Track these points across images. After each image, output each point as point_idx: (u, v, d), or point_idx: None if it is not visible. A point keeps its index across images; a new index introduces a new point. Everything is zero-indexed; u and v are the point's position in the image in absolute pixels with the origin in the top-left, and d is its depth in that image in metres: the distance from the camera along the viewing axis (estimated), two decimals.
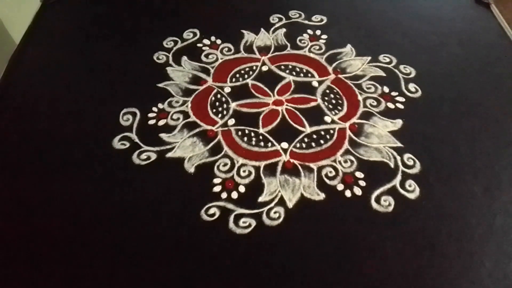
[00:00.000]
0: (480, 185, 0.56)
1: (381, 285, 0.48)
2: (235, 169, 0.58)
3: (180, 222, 0.53)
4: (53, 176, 0.57)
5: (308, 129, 0.62)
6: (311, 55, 0.73)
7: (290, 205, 0.54)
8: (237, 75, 0.70)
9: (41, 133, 0.62)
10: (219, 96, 0.67)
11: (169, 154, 0.59)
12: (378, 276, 0.49)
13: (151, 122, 0.63)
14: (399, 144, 0.60)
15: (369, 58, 0.73)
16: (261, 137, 0.61)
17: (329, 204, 0.54)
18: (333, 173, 0.57)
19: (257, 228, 0.52)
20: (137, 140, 0.61)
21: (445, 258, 0.50)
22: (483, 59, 0.73)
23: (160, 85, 0.68)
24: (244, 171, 0.57)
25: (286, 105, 0.66)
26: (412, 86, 0.68)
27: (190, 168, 0.58)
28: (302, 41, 0.76)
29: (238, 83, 0.69)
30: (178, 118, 0.64)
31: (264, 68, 0.71)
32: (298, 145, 0.60)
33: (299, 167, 0.58)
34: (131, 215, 0.53)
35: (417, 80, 0.69)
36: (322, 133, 0.62)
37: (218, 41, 0.75)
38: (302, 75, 0.70)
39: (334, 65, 0.72)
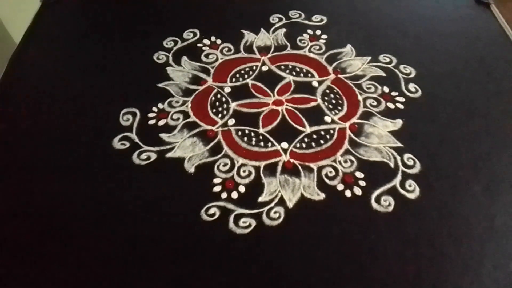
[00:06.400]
0: (480, 185, 0.56)
1: (381, 285, 0.48)
2: (235, 169, 0.58)
3: (180, 222, 0.53)
4: (53, 176, 0.57)
5: (308, 129, 0.62)
6: (311, 55, 0.73)
7: (290, 205, 0.54)
8: (237, 75, 0.70)
9: (41, 133, 0.62)
10: (219, 96, 0.67)
11: (169, 154, 0.59)
12: (378, 276, 0.49)
13: (151, 122, 0.63)
14: (399, 144, 0.61)
15: (369, 58, 0.73)
16: (261, 137, 0.61)
17: (329, 204, 0.54)
18: (333, 173, 0.57)
19: (257, 228, 0.52)
20: (137, 140, 0.61)
21: (445, 258, 0.50)
22: (483, 59, 0.73)
23: (160, 85, 0.68)
24: (244, 171, 0.57)
25: (286, 105, 0.66)
26: (412, 86, 0.68)
27: (190, 168, 0.58)
28: (302, 41, 0.76)
29: (238, 83, 0.69)
30: (178, 118, 0.64)
31: (264, 68, 0.71)
32: (298, 145, 0.60)
33: (299, 167, 0.58)
34: (131, 215, 0.53)
35: (417, 80, 0.69)
36: (322, 133, 0.62)
37: (218, 41, 0.75)
38: (302, 75, 0.70)
39: (334, 65, 0.72)
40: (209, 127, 0.63)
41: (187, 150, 0.60)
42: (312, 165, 0.58)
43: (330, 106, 0.66)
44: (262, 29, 0.78)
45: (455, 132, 0.62)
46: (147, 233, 0.52)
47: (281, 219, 0.53)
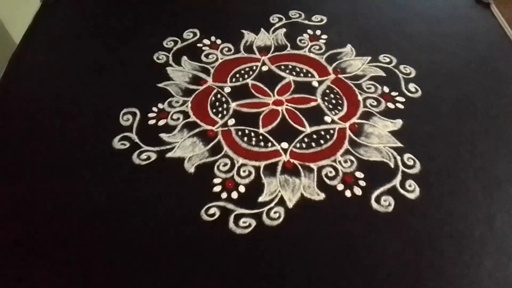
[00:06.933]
0: (480, 185, 0.56)
1: (381, 285, 0.48)
2: (235, 169, 0.58)
3: (180, 222, 0.53)
4: (53, 176, 0.57)
5: (308, 129, 0.62)
6: (311, 55, 0.73)
7: (290, 205, 0.54)
8: (237, 75, 0.70)
9: (41, 133, 0.62)
10: (219, 96, 0.67)
11: (169, 154, 0.59)
12: (378, 276, 0.49)
13: (151, 122, 0.63)
14: (399, 144, 0.60)
15: (369, 58, 0.73)
16: (261, 137, 0.61)
17: (329, 204, 0.54)
18: (333, 173, 0.57)
19: (257, 228, 0.52)
20: (137, 140, 0.61)
21: (445, 258, 0.50)
22: (483, 59, 0.73)
23: (160, 85, 0.68)
24: (244, 171, 0.57)
25: (286, 105, 0.66)
26: (412, 86, 0.68)
27: (190, 168, 0.58)
28: (302, 41, 0.76)
29: (238, 83, 0.69)
30: (178, 118, 0.64)
31: (264, 68, 0.71)
32: (298, 145, 0.60)
33: (299, 167, 0.58)
34: (131, 215, 0.53)
35: (417, 80, 0.69)
36: (322, 133, 0.62)
37: (218, 41, 0.75)
38: (302, 75, 0.70)
39: (334, 65, 0.72)
40: (209, 127, 0.63)
41: (187, 150, 0.60)
42: (312, 165, 0.58)
43: (330, 106, 0.66)
44: (262, 29, 0.78)
45: (455, 132, 0.62)
46: (147, 233, 0.52)
47: (281, 219, 0.53)
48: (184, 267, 0.49)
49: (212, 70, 0.71)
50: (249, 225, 0.52)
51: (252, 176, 0.57)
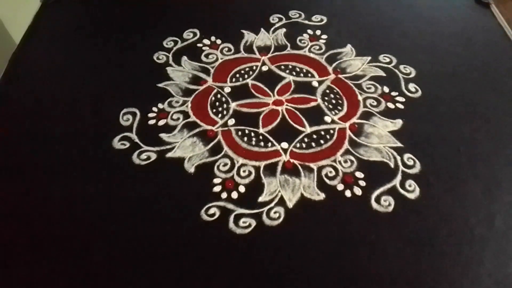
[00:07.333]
0: (480, 185, 0.56)
1: (381, 285, 0.48)
2: (235, 169, 0.58)
3: (180, 222, 0.53)
4: (53, 176, 0.57)
5: (308, 129, 0.62)
6: (311, 55, 0.73)
7: (290, 205, 0.54)
8: (237, 75, 0.70)
9: (41, 133, 0.62)
10: (219, 96, 0.67)
11: (169, 154, 0.59)
12: (378, 276, 0.49)
13: (151, 122, 0.63)
14: (399, 144, 0.60)
15: (369, 58, 0.73)
16: (261, 137, 0.61)
17: (329, 204, 0.54)
18: (333, 173, 0.57)
19: (257, 228, 0.52)
20: (137, 140, 0.61)
21: (445, 258, 0.50)
22: (483, 59, 0.73)
23: (160, 85, 0.68)
24: (244, 171, 0.57)
25: (286, 105, 0.66)
26: (412, 86, 0.68)
27: (190, 168, 0.58)
28: (302, 41, 0.76)
29: (238, 83, 0.69)
30: (178, 118, 0.64)
31: (264, 68, 0.71)
32: (298, 145, 0.60)
33: (299, 167, 0.58)
34: (131, 215, 0.53)
35: (417, 80, 0.69)
36: (322, 133, 0.62)
37: (218, 41, 0.75)
38: (302, 75, 0.70)
39: (334, 65, 0.72)
40: (209, 127, 0.63)
41: (187, 150, 0.60)
42: (312, 165, 0.58)
43: (330, 106, 0.66)
44: (262, 29, 0.78)
45: (455, 132, 0.62)
46: (147, 233, 0.52)
47: (281, 219, 0.53)
48: (184, 267, 0.49)
49: (212, 70, 0.71)
50: (249, 225, 0.52)
51: (252, 176, 0.57)
